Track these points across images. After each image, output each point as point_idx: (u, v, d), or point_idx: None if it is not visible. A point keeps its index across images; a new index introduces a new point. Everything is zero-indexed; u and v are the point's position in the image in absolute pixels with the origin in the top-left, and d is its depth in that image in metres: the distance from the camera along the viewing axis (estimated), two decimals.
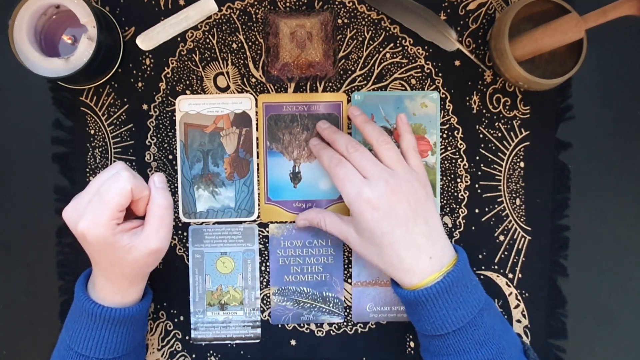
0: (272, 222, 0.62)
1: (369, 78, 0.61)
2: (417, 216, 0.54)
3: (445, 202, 0.62)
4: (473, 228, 0.62)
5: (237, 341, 0.62)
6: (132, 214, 0.55)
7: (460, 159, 0.62)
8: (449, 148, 0.62)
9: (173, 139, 0.62)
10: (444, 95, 0.62)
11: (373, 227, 0.53)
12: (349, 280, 0.62)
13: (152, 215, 0.53)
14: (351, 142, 0.56)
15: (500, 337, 0.53)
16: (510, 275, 0.62)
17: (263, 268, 0.62)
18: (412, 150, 0.57)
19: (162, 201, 0.53)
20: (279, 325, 0.63)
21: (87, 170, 0.61)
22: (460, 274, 0.53)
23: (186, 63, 0.61)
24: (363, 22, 0.61)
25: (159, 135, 0.62)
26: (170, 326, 0.63)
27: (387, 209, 0.53)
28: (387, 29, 0.61)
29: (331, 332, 0.63)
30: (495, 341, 0.53)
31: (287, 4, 0.61)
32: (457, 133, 0.62)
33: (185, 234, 0.62)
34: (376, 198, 0.53)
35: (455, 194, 0.62)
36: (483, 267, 0.62)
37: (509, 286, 0.62)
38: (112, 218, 0.51)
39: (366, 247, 0.55)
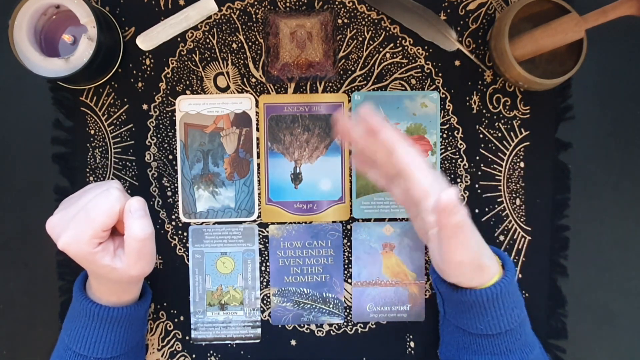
0: (272, 223, 0.62)
1: (369, 78, 0.61)
2: None
3: None
4: None
5: (237, 341, 0.62)
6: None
7: (460, 159, 0.62)
8: (449, 148, 0.62)
9: (173, 139, 0.62)
10: (444, 95, 0.62)
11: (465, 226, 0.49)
12: (349, 280, 0.62)
13: (130, 248, 0.50)
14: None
15: (536, 337, 0.55)
16: None
17: (263, 268, 0.62)
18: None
19: (139, 233, 0.50)
20: (279, 325, 0.63)
21: (87, 170, 0.61)
22: (514, 272, 0.54)
23: (186, 63, 0.61)
24: (363, 22, 0.61)
25: (159, 135, 0.62)
26: (170, 326, 0.63)
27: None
28: (387, 29, 0.61)
29: (331, 332, 0.63)
30: (537, 342, 0.54)
31: (287, 4, 0.61)
32: (457, 133, 0.62)
33: (185, 234, 0.62)
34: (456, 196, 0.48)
35: None
36: None
37: None
38: (95, 237, 0.49)
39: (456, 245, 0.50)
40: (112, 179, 0.61)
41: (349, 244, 0.62)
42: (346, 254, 0.62)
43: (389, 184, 0.55)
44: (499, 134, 0.62)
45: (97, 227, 0.49)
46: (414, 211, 0.54)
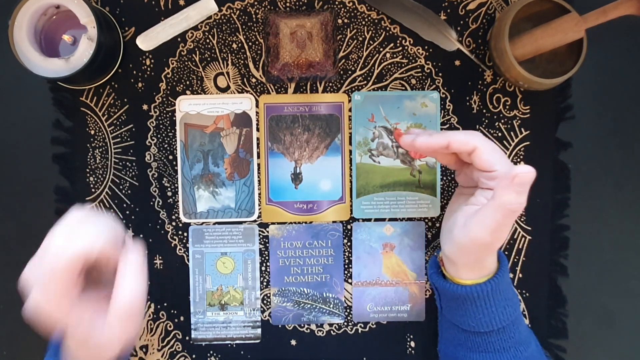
0: (272, 223, 0.62)
1: (369, 78, 0.61)
2: None
3: (445, 202, 0.62)
4: None
5: (238, 341, 0.62)
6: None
7: None
8: None
9: (173, 139, 0.62)
10: (444, 95, 0.62)
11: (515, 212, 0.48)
12: (349, 280, 0.62)
13: (113, 315, 0.41)
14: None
15: (531, 335, 0.55)
16: (511, 275, 0.62)
17: (263, 268, 0.62)
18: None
19: (127, 295, 0.40)
20: (279, 325, 0.63)
21: (87, 170, 0.61)
22: (507, 270, 0.54)
23: (186, 63, 0.61)
24: (363, 22, 0.61)
25: (159, 136, 0.62)
26: (170, 326, 0.63)
27: None
28: (387, 29, 0.61)
29: (331, 332, 0.63)
30: (533, 339, 0.54)
31: (287, 4, 0.61)
32: None
33: (185, 234, 0.62)
34: None
35: None
36: None
37: None
38: (62, 295, 0.40)
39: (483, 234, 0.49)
40: (111, 179, 0.61)
41: (349, 244, 0.62)
42: (346, 254, 0.62)
43: (460, 168, 0.56)
44: (499, 134, 0.62)
45: (58, 280, 0.41)
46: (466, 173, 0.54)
